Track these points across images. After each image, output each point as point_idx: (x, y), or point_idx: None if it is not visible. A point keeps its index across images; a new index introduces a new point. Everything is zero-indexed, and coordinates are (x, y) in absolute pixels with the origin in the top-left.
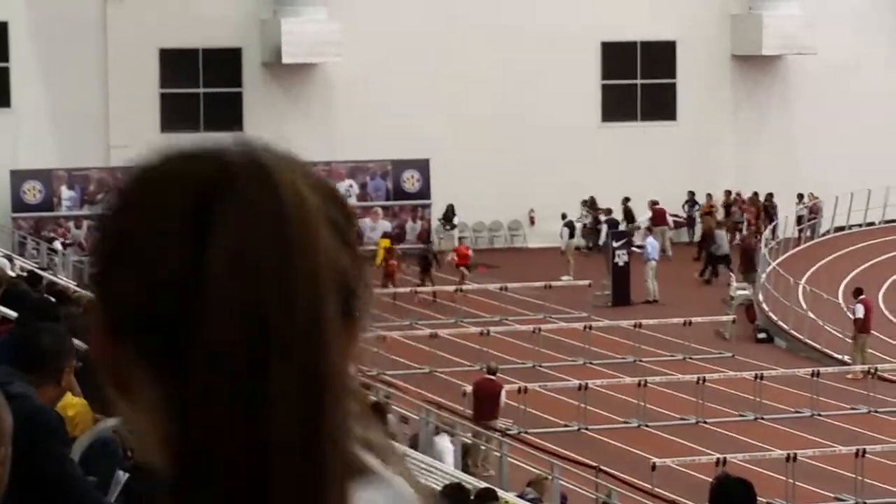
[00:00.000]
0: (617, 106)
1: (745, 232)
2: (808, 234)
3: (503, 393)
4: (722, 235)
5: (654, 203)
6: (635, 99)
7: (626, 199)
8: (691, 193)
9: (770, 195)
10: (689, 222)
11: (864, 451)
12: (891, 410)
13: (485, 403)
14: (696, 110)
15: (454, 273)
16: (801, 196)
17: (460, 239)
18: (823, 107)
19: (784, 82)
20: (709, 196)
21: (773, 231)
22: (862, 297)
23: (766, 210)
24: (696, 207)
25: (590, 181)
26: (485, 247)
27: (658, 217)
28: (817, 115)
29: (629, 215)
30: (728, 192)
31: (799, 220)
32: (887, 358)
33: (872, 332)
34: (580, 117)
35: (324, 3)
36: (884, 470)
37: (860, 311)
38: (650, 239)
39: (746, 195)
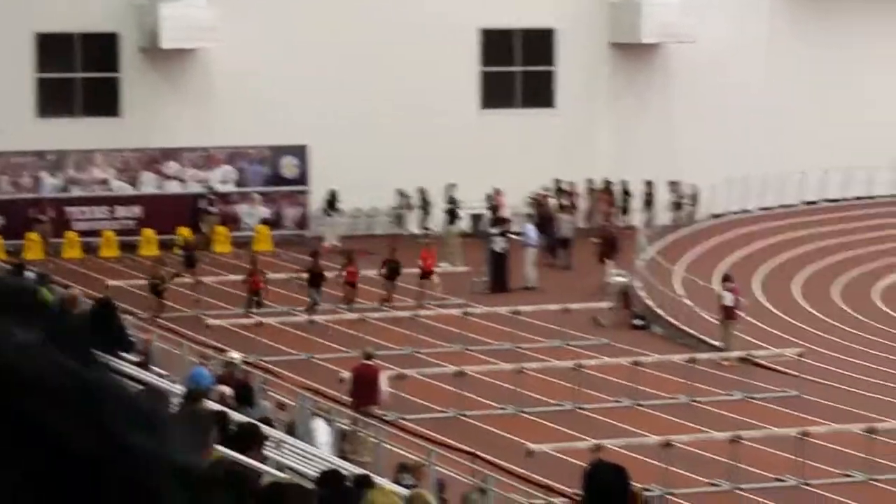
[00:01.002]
0: (496, 93)
1: (597, 220)
2: (684, 221)
3: (383, 377)
4: (564, 219)
5: (497, 193)
6: (514, 86)
7: (451, 185)
8: (557, 181)
9: (624, 182)
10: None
11: (739, 437)
12: (765, 396)
13: (363, 388)
14: (575, 98)
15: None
16: (674, 184)
17: (427, 245)
18: (702, 95)
19: (663, 70)
20: (570, 184)
21: (650, 220)
22: (730, 283)
23: (623, 196)
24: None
25: (469, 168)
26: (363, 233)
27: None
28: (696, 103)
29: (453, 203)
30: (589, 181)
31: (675, 206)
32: (762, 344)
33: (748, 318)
34: (459, 104)
35: None
36: (758, 455)
37: (729, 299)
38: (529, 226)
39: (630, 182)
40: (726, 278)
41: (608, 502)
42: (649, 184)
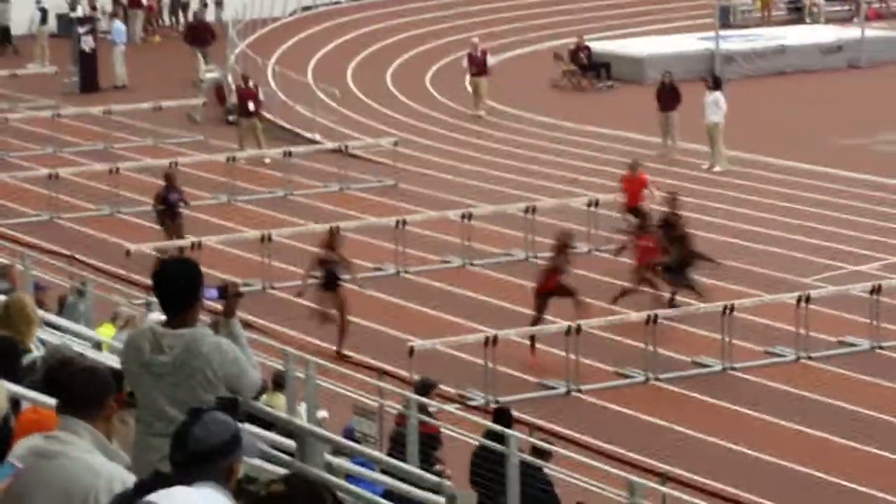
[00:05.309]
0: None
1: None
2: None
3: None
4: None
5: None
6: None
7: None
8: None
9: None
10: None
11: (338, 228)
12: (362, 187)
13: None
14: None
15: None
16: None
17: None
18: None
19: None
20: None
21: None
22: (246, 86)
23: None
24: None
25: None
26: None
27: (134, 0)
28: None
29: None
30: None
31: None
32: (357, 135)
33: (342, 109)
34: None
35: None
36: (358, 245)
37: (236, 98)
38: (116, 24)
39: None
40: (245, 77)
41: (176, 295)
42: None
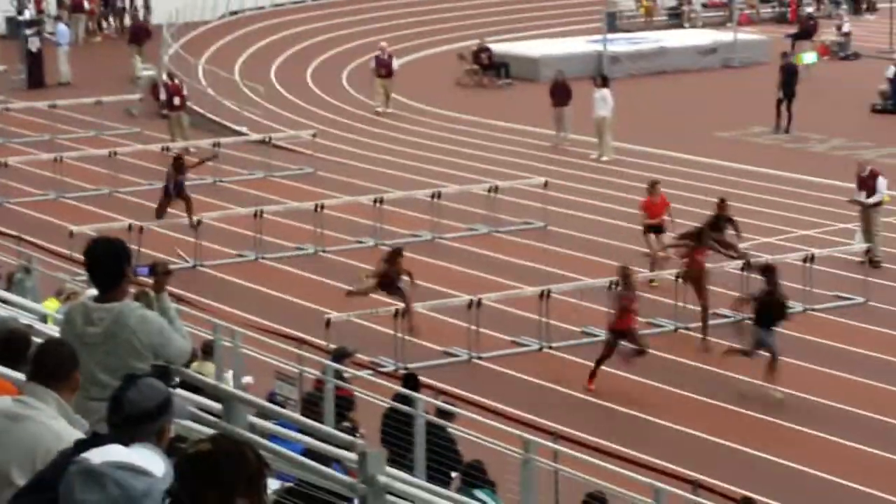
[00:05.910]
0: None
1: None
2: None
3: None
4: None
5: None
6: None
7: None
8: None
9: None
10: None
11: (262, 212)
12: (284, 174)
13: None
14: None
15: None
16: None
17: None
18: None
19: None
20: None
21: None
22: (172, 83)
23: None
24: None
25: None
26: None
27: (76, 5)
28: None
29: None
30: None
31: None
32: (279, 127)
33: (266, 104)
34: None
35: None
36: (279, 227)
37: (164, 94)
38: (60, 26)
39: None
40: (171, 75)
41: (106, 272)
42: None
